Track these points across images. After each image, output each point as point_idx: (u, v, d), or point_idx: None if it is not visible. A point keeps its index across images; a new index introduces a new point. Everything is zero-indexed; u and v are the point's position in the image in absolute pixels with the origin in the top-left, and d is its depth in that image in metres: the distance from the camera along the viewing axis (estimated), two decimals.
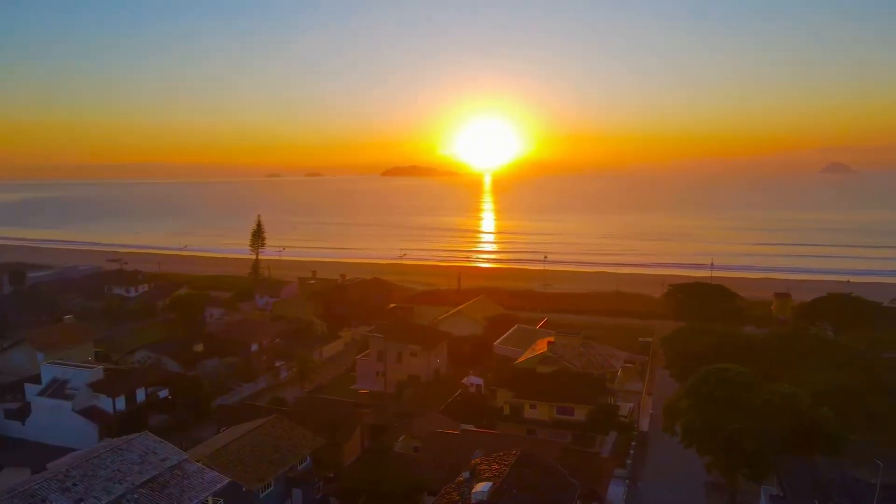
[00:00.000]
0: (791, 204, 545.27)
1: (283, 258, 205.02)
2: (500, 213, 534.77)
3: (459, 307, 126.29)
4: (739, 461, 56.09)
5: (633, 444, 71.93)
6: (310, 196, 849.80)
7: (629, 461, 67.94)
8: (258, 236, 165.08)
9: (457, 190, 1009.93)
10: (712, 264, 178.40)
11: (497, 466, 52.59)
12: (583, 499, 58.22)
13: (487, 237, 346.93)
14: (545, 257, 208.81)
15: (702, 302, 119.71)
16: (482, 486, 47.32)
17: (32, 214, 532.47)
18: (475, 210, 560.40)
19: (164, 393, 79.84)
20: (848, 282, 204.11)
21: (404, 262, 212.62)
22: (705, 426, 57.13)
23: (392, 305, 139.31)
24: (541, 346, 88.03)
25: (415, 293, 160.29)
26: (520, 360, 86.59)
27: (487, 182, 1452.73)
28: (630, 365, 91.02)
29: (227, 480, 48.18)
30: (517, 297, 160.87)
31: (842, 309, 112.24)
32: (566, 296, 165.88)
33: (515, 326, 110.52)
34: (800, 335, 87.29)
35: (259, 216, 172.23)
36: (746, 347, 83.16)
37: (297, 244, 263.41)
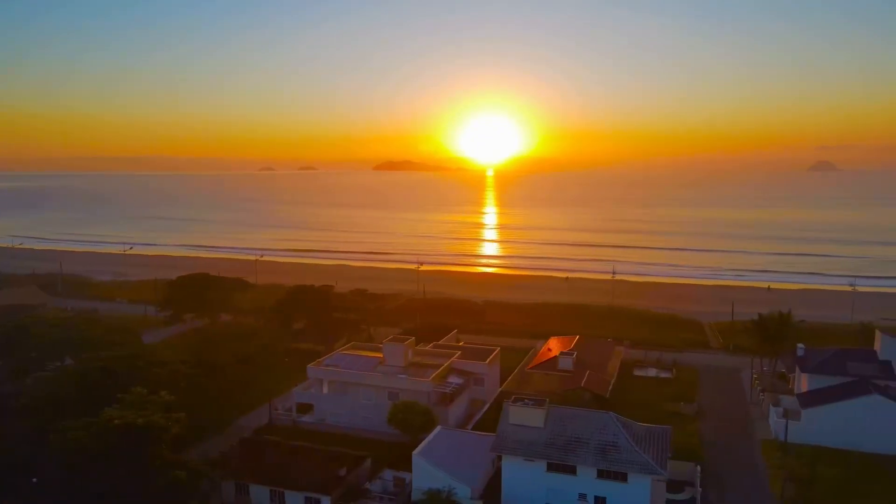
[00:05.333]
0: (717, 202, 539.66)
1: None
2: (380, 207, 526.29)
3: None
4: None
5: None
6: (252, 190, 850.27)
7: None
8: None
9: (409, 185, 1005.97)
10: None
11: None
12: None
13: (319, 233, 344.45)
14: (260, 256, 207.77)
15: (188, 293, 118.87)
16: None
17: None
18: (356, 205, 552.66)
19: None
20: (566, 278, 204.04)
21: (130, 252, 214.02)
22: None
23: None
24: None
25: None
26: None
27: (490, 176, 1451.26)
28: None
29: None
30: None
31: (301, 301, 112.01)
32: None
33: None
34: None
35: None
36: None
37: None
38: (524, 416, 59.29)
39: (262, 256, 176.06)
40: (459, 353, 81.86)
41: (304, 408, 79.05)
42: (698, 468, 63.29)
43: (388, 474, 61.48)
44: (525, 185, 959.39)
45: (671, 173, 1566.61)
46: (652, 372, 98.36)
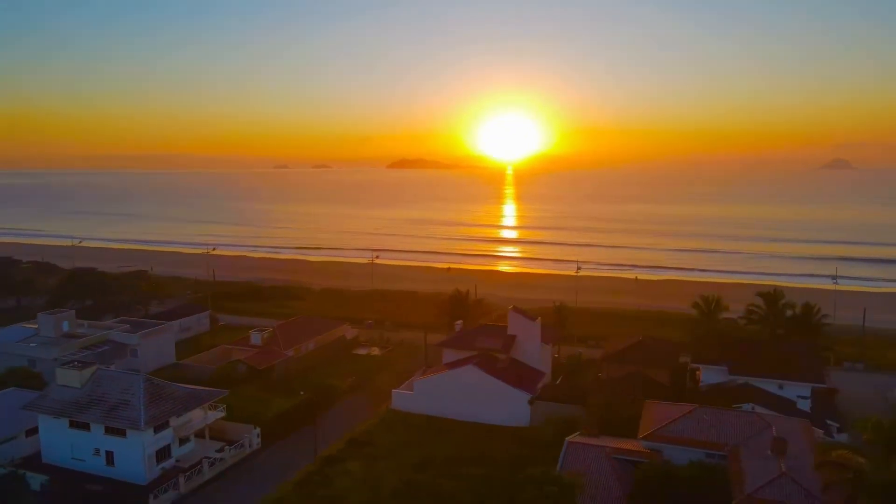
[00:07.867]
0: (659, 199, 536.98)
1: None
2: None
3: None
4: None
5: None
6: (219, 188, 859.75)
7: None
8: None
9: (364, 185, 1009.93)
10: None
11: None
12: None
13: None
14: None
15: None
16: None
17: None
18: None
19: None
20: (448, 269, 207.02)
21: None
22: None
23: None
24: None
25: None
26: None
27: (509, 174, 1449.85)
28: None
29: None
30: None
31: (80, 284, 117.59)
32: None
33: None
34: None
35: None
36: None
37: None
38: (67, 378, 63.04)
39: (79, 242, 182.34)
40: (127, 326, 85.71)
41: None
42: (257, 430, 66.59)
43: None
44: (529, 183, 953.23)
45: (678, 172, 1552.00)
46: (374, 350, 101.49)
